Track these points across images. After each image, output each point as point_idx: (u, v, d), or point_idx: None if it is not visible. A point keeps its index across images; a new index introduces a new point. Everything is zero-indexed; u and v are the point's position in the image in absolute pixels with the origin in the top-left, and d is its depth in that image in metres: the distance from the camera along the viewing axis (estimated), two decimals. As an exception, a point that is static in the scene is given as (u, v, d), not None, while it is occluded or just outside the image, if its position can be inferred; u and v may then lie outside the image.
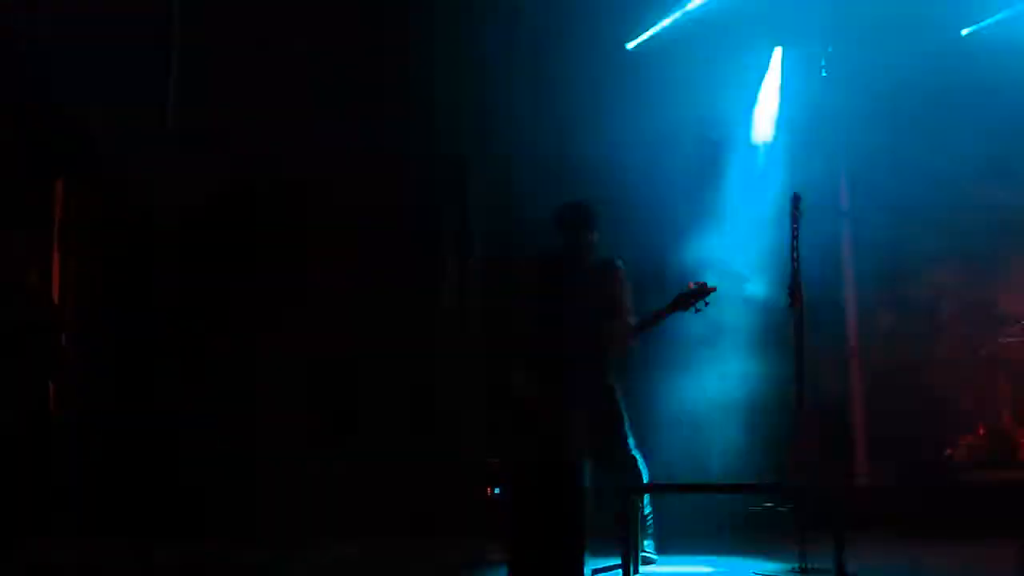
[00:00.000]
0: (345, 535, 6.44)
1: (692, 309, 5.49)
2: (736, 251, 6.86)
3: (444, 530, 6.69)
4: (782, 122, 7.43)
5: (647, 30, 7.43)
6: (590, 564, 4.75)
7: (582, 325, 5.49)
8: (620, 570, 4.78)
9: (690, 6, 7.31)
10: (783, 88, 7.48)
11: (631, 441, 5.54)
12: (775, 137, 7.42)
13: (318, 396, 7.35)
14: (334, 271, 7.20)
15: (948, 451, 7.31)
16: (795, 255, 5.35)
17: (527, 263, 5.71)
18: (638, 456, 5.52)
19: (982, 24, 7.18)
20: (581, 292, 5.53)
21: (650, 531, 5.57)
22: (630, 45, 7.51)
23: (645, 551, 5.50)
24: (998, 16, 7.11)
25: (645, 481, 5.50)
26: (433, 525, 6.88)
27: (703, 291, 5.48)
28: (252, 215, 7.00)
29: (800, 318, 5.32)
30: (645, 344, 5.86)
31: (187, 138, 5.69)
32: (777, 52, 7.53)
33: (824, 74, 6.69)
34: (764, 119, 7.49)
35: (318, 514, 6.76)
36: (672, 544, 5.81)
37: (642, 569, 5.24)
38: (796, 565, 5.19)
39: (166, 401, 5.93)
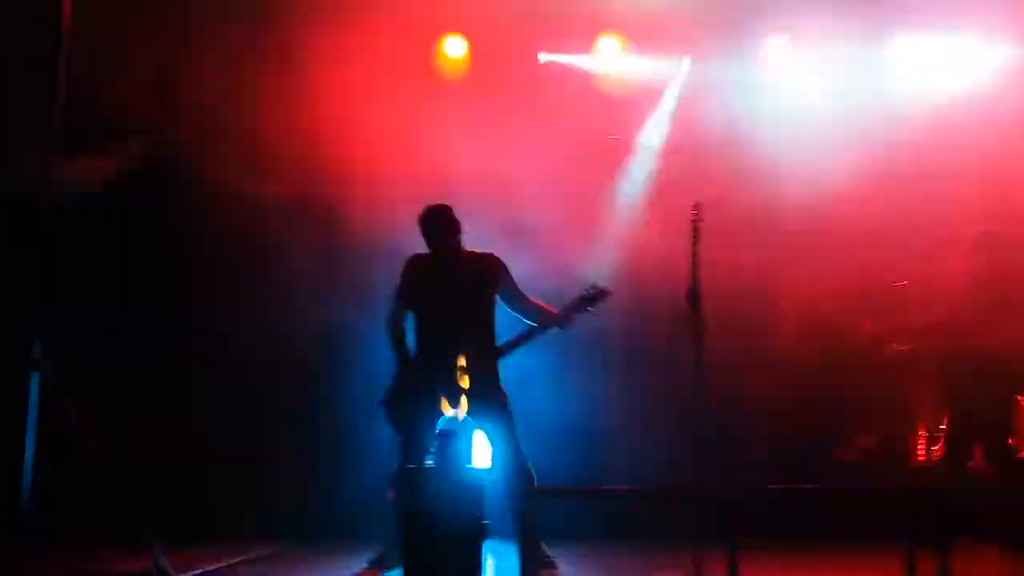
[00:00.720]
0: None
1: (589, 312, 5.50)
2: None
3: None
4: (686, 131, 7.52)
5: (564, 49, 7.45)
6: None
7: (460, 326, 5.47)
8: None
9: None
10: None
11: (520, 445, 5.50)
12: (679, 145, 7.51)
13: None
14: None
15: (841, 453, 7.50)
16: (695, 261, 5.41)
17: (405, 267, 5.66)
18: (527, 460, 5.48)
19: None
20: (452, 292, 5.49)
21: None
22: (543, 57, 7.51)
23: (546, 557, 5.50)
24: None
25: (534, 484, 5.47)
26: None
27: (601, 294, 5.49)
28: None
29: (700, 324, 5.38)
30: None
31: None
32: (685, 63, 7.63)
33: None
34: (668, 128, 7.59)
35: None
36: (568, 550, 5.82)
37: (543, 572, 5.24)
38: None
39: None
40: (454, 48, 7.34)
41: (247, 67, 6.22)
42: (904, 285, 6.89)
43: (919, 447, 7.55)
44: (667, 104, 7.60)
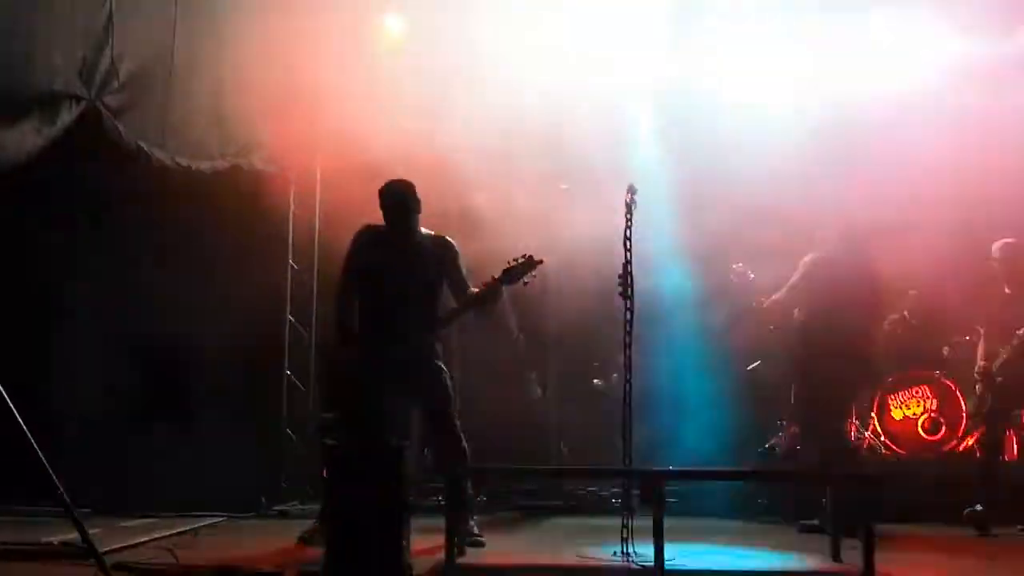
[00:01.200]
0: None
1: (520, 282, 5.45)
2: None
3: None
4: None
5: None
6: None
7: (409, 303, 5.46)
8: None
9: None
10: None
11: (455, 421, 5.52)
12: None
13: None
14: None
15: (772, 441, 7.61)
16: (628, 245, 5.42)
17: (356, 238, 5.63)
18: (461, 437, 5.50)
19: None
20: (407, 270, 5.49)
21: (473, 514, 5.58)
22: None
23: (474, 534, 5.53)
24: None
25: (467, 462, 5.48)
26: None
27: (530, 263, 5.43)
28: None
29: (631, 308, 5.41)
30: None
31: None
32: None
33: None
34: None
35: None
36: (499, 527, 5.85)
37: (470, 550, 5.27)
38: (618, 549, 5.30)
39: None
40: (392, 25, 7.31)
41: (180, 39, 6.12)
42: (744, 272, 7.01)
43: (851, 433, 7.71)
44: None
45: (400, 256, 5.49)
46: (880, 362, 7.10)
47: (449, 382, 5.56)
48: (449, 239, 5.62)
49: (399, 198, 5.51)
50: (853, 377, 6.55)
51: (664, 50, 7.38)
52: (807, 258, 6.60)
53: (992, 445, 6.79)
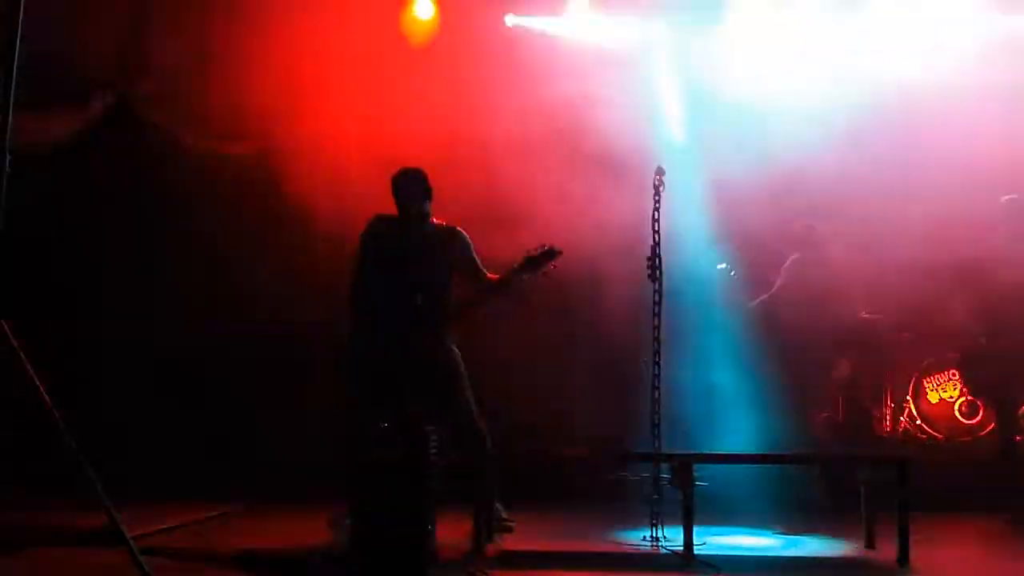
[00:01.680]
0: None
1: (540, 272, 5.42)
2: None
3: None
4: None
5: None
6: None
7: (421, 290, 5.45)
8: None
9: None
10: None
11: (472, 406, 5.50)
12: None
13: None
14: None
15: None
16: (656, 227, 5.38)
17: (368, 227, 5.62)
18: (480, 422, 5.48)
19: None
20: (417, 257, 5.48)
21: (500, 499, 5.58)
22: (510, 20, 7.39)
23: (503, 518, 5.53)
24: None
25: (488, 446, 5.46)
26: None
27: (550, 254, 5.40)
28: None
29: (660, 291, 5.38)
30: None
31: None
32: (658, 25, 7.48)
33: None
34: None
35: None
36: (528, 511, 5.83)
37: (498, 535, 5.26)
38: (648, 534, 5.28)
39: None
40: (422, 10, 7.27)
41: (211, 25, 6.16)
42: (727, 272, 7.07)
43: (886, 418, 7.63)
44: (637, 66, 7.44)
45: (411, 243, 5.48)
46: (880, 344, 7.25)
47: (462, 367, 5.54)
48: (459, 229, 5.60)
49: (410, 185, 5.49)
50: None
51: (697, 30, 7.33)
52: (788, 262, 6.89)
53: (1004, 426, 6.62)
